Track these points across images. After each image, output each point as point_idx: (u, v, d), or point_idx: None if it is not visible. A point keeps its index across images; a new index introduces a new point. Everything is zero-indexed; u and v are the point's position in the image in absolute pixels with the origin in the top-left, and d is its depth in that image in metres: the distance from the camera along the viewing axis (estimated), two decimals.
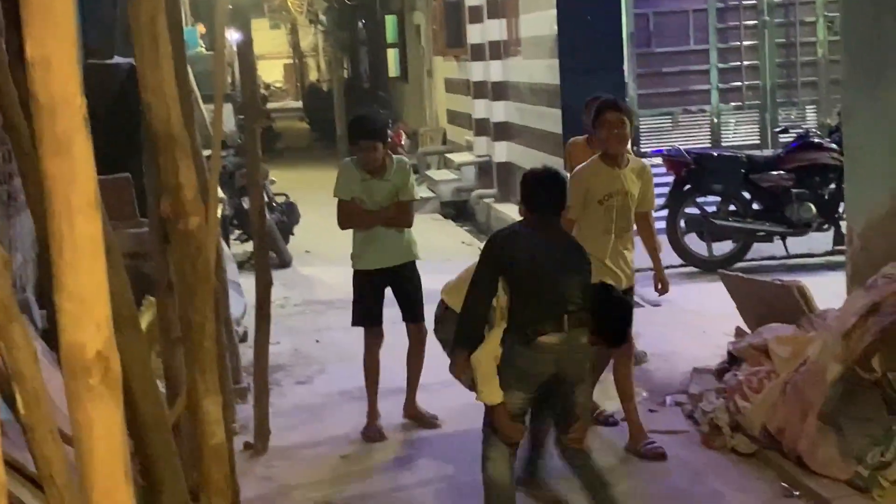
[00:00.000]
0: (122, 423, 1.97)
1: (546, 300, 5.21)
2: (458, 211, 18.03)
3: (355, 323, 7.60)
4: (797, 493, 5.93)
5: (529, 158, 14.39)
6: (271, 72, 54.15)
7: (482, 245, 5.78)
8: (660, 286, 7.24)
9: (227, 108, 14.24)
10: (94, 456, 1.94)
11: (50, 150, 1.88)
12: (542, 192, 5.42)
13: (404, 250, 7.46)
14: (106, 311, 1.93)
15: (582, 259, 5.40)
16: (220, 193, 12.07)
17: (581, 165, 6.99)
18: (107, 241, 2.24)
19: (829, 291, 7.97)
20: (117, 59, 9.96)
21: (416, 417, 7.55)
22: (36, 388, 2.48)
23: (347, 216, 7.38)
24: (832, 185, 11.41)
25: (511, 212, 14.94)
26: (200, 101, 12.37)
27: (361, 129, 7.40)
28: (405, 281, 7.46)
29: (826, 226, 11.58)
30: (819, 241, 11.59)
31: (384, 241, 7.35)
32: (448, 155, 19.88)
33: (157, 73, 2.89)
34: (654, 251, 7.21)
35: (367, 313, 7.49)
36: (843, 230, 9.05)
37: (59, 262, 1.90)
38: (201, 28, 21.65)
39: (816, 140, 11.90)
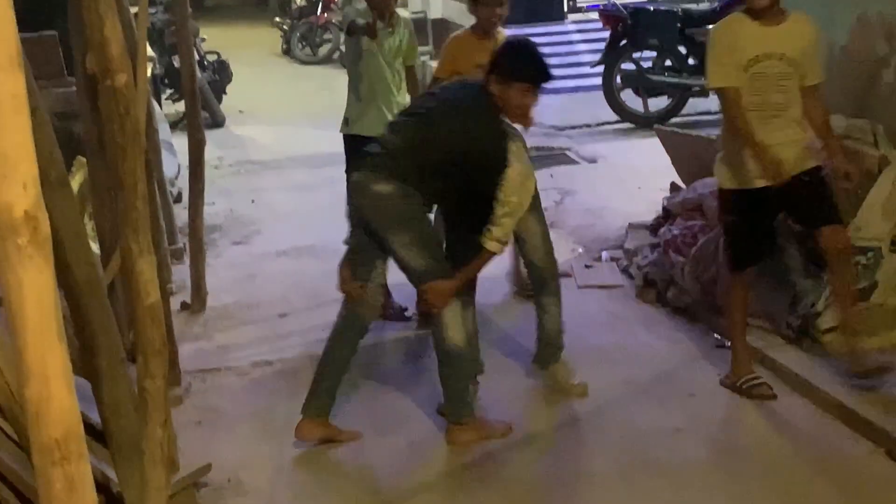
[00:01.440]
0: (52, 284, 1.95)
1: (378, 139, 5.17)
2: None
3: None
4: (728, 343, 6.04)
5: (466, 14, 14.20)
6: None
7: None
8: (837, 174, 5.23)
9: None
10: (25, 316, 1.93)
11: None
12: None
13: None
14: (32, 170, 1.89)
15: (451, 122, 4.98)
16: (150, 52, 11.84)
17: (721, 21, 5.42)
18: (32, 100, 2.19)
19: None
20: None
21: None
22: None
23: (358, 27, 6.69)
24: None
25: None
26: None
27: None
28: None
29: None
30: None
31: (388, 105, 6.64)
32: None
33: None
34: (828, 137, 5.32)
35: None
36: None
37: None
38: None
39: None
